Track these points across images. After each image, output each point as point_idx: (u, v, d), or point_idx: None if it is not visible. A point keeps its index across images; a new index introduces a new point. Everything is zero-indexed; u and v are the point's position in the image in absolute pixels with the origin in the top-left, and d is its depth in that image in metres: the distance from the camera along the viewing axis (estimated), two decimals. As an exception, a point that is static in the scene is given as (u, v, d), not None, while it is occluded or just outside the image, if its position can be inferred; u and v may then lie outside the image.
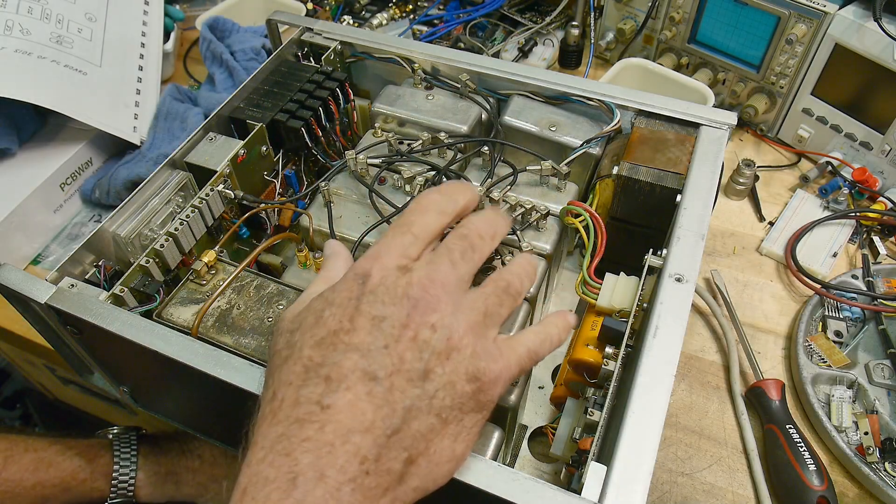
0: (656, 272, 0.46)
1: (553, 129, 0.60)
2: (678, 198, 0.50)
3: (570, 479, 0.43)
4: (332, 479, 0.29)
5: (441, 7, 1.04)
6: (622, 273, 0.50)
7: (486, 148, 0.60)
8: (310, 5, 1.05)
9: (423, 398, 0.32)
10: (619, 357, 0.44)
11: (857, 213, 0.73)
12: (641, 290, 0.48)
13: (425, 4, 1.05)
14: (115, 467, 0.60)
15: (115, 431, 0.63)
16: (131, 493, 0.60)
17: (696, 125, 0.56)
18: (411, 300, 0.33)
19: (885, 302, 0.64)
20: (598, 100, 0.59)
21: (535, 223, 0.55)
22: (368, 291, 0.34)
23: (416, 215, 0.38)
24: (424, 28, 1.01)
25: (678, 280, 0.44)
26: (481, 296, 0.37)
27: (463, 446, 0.34)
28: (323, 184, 0.57)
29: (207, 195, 0.54)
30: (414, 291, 0.34)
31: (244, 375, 0.41)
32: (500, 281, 0.38)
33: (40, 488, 0.57)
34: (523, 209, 0.54)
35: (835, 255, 0.70)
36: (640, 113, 0.58)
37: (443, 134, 0.60)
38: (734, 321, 0.66)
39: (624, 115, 0.59)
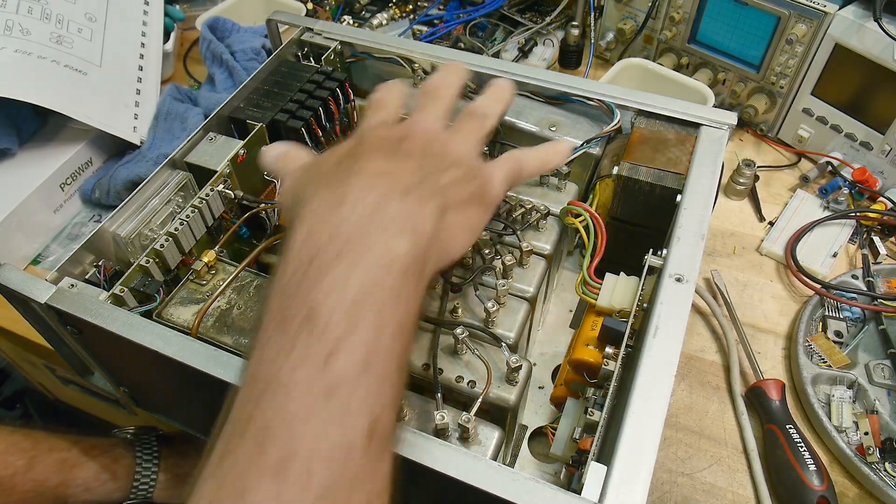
0: (656, 272, 0.46)
1: (553, 129, 0.60)
2: (678, 198, 0.50)
3: (570, 479, 0.43)
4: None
5: (441, 7, 1.04)
6: (622, 273, 0.50)
7: (485, 148, 0.60)
8: (310, 5, 1.05)
9: (443, 185, 0.35)
10: (619, 357, 0.44)
11: (857, 213, 0.73)
12: (641, 290, 0.48)
13: (425, 4, 1.05)
14: (137, 470, 0.60)
15: (133, 431, 0.63)
16: (150, 495, 0.60)
17: (696, 125, 0.56)
18: (405, 127, 0.38)
19: (885, 302, 0.64)
20: (598, 100, 0.59)
21: (535, 223, 0.55)
22: (367, 130, 0.38)
23: (379, 100, 0.44)
24: (424, 28, 1.01)
25: (678, 280, 0.44)
26: (463, 121, 0.41)
27: (477, 220, 0.38)
28: (323, 184, 0.57)
29: (207, 195, 0.54)
30: (406, 124, 0.38)
31: (244, 375, 0.40)
32: (472, 109, 0.43)
33: (63, 488, 0.57)
34: (523, 209, 0.54)
35: (835, 255, 0.70)
36: (640, 113, 0.58)
37: (443, 134, 0.60)
38: (734, 321, 0.66)
39: (624, 115, 0.59)
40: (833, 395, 0.59)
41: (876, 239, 0.71)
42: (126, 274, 0.49)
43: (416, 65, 0.65)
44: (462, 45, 0.97)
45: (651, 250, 0.48)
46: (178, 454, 0.63)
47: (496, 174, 0.40)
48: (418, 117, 0.40)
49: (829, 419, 0.57)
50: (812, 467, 0.53)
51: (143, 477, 0.60)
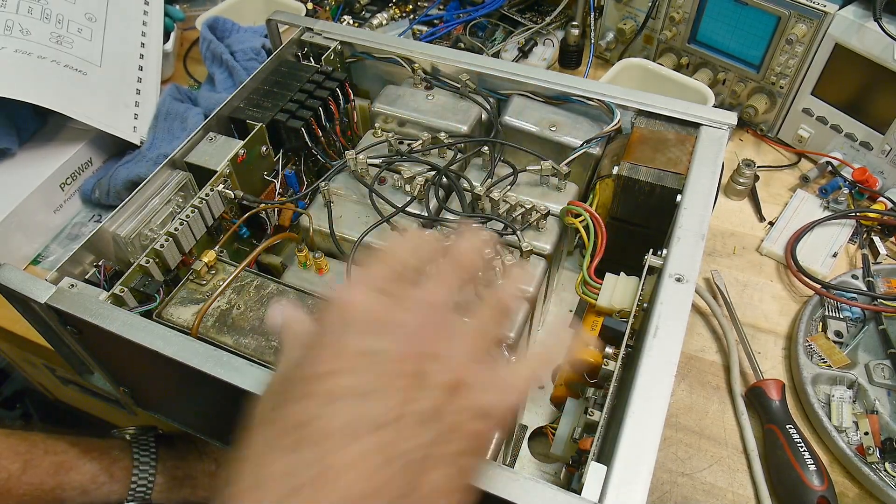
0: (656, 272, 0.46)
1: (553, 129, 0.60)
2: (678, 198, 0.50)
3: (570, 479, 0.43)
4: None
5: (441, 7, 1.04)
6: (622, 273, 0.51)
7: (486, 148, 0.60)
8: (310, 5, 1.05)
9: (437, 444, 0.26)
10: (619, 357, 0.44)
11: (857, 213, 0.73)
12: (641, 290, 0.48)
13: (425, 4, 1.05)
14: (135, 471, 0.60)
15: (132, 432, 0.63)
16: (149, 497, 0.60)
17: (697, 125, 0.56)
18: (404, 326, 0.28)
19: (885, 302, 0.64)
20: (598, 100, 0.59)
21: (535, 223, 0.55)
22: (351, 321, 0.28)
23: (389, 249, 0.32)
24: (424, 28, 1.01)
25: (678, 280, 0.44)
26: (477, 317, 0.32)
27: (468, 497, 0.29)
28: (323, 184, 0.57)
29: (207, 195, 0.54)
30: (406, 316, 0.28)
31: (244, 375, 0.41)
32: (493, 299, 0.33)
33: (59, 491, 0.57)
34: (523, 209, 0.54)
35: (835, 255, 0.70)
36: (640, 113, 0.58)
37: (443, 134, 0.60)
38: (734, 321, 0.66)
39: (624, 115, 0.59)
40: (833, 395, 0.59)
41: (876, 239, 0.71)
42: (126, 274, 0.49)
43: (416, 65, 0.65)
44: (462, 45, 0.97)
45: (651, 250, 0.48)
46: (177, 455, 0.63)
47: (512, 409, 0.30)
48: (430, 296, 0.30)
49: (829, 419, 0.57)
50: (812, 467, 0.53)
51: (141, 478, 0.60)
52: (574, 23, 0.92)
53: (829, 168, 0.78)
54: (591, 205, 0.55)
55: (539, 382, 0.35)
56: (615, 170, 0.54)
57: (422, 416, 0.26)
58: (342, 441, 0.25)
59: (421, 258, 0.32)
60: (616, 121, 0.58)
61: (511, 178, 0.58)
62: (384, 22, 1.04)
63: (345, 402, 0.26)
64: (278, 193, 0.61)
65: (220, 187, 0.55)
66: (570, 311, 0.65)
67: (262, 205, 0.58)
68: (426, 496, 0.26)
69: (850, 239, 0.72)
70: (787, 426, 0.56)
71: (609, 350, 0.45)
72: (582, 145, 0.58)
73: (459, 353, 0.29)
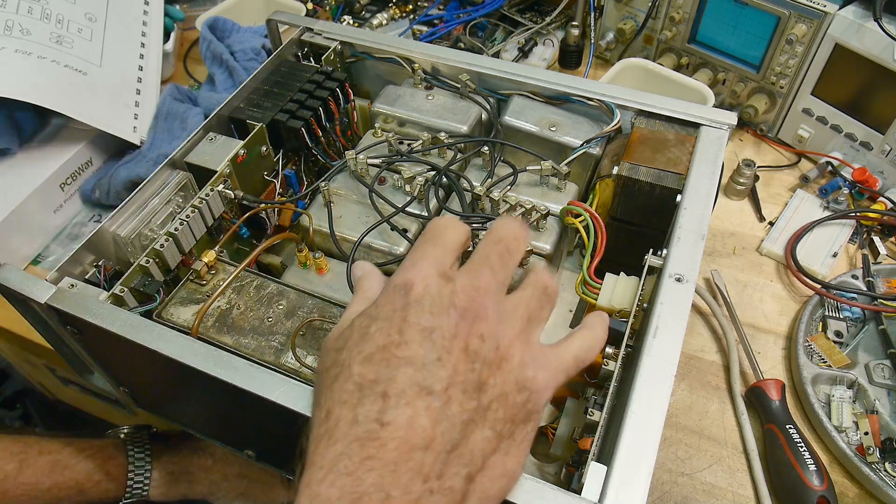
0: (656, 272, 0.46)
1: (553, 129, 0.60)
2: (678, 198, 0.50)
3: (570, 479, 0.43)
4: (398, 500, 0.28)
5: (441, 7, 1.04)
6: (622, 273, 0.50)
7: (486, 148, 0.60)
8: (310, 5, 1.04)
9: (479, 411, 0.31)
10: (619, 357, 0.44)
11: (857, 213, 0.73)
12: (641, 290, 0.48)
13: (425, 4, 1.05)
14: (130, 468, 0.60)
15: (127, 431, 0.63)
16: (146, 494, 0.60)
17: (696, 125, 0.56)
18: (458, 309, 0.32)
19: (885, 302, 0.64)
20: (598, 100, 0.59)
21: (535, 223, 0.55)
22: (414, 301, 0.33)
23: (439, 229, 0.37)
24: (424, 28, 1.01)
25: (678, 280, 0.44)
26: (522, 300, 0.36)
27: (514, 461, 0.33)
28: (323, 184, 0.57)
29: (207, 195, 0.54)
30: (460, 300, 0.33)
31: (244, 375, 0.41)
32: (538, 283, 0.37)
33: (56, 490, 0.57)
34: (523, 209, 0.54)
35: (835, 255, 0.70)
36: (640, 113, 0.58)
37: (443, 134, 0.60)
38: (734, 321, 0.66)
39: (624, 115, 0.59)
40: (833, 395, 0.59)
41: (876, 239, 0.71)
42: (126, 274, 0.49)
43: (416, 65, 0.65)
44: (462, 45, 0.97)
45: (651, 250, 0.48)
46: (173, 451, 0.63)
47: (552, 383, 0.35)
48: (481, 283, 0.34)
49: (829, 419, 0.57)
50: (812, 467, 0.53)
51: (138, 475, 0.60)
52: (574, 23, 0.92)
53: (829, 168, 0.78)
54: (591, 205, 0.55)
55: (583, 364, 0.38)
56: (615, 170, 0.54)
57: (466, 385, 0.31)
58: (396, 402, 0.30)
59: (464, 237, 0.37)
60: (616, 121, 0.58)
61: (511, 178, 0.58)
62: (384, 22, 1.04)
63: (402, 370, 0.30)
64: (278, 193, 0.61)
65: (220, 187, 0.55)
66: (570, 311, 0.65)
67: (262, 205, 0.58)
68: (468, 453, 0.30)
69: (850, 239, 0.72)
70: (787, 426, 0.56)
71: (609, 350, 0.45)
72: (582, 145, 0.58)
73: (506, 333, 0.34)
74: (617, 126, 0.58)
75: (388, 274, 0.54)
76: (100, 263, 0.51)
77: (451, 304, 0.33)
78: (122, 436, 0.63)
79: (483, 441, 0.31)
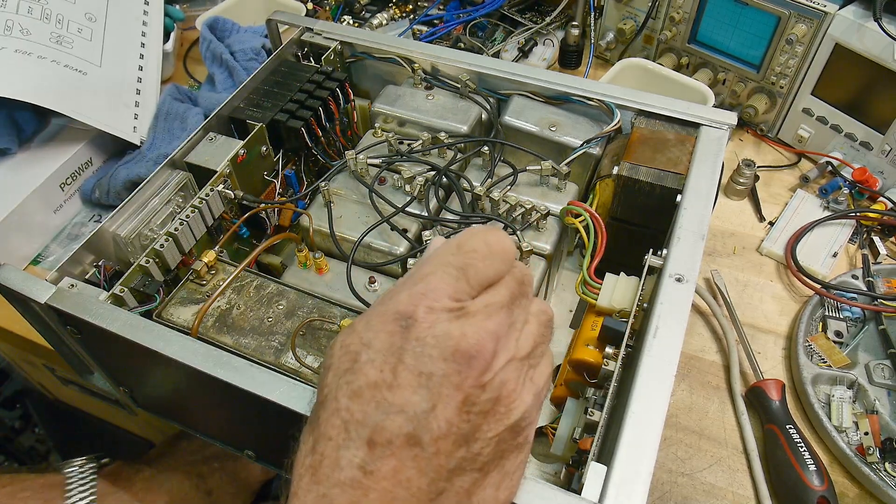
0: (656, 272, 0.46)
1: (553, 129, 0.60)
2: (678, 198, 0.50)
3: (570, 479, 0.43)
4: None
5: (441, 7, 1.04)
6: (622, 273, 0.51)
7: (486, 148, 0.60)
8: (310, 5, 1.04)
9: (468, 458, 0.30)
10: (619, 357, 0.44)
11: (857, 213, 0.73)
12: (641, 290, 0.48)
13: (425, 4, 1.05)
14: None
15: (76, 463, 0.58)
16: None
17: (696, 125, 0.56)
18: (463, 356, 0.29)
19: (885, 302, 0.64)
20: (598, 100, 0.59)
21: (535, 223, 0.55)
22: (414, 340, 0.30)
23: (469, 248, 0.33)
24: (424, 28, 1.01)
25: (678, 280, 0.44)
26: (530, 336, 0.33)
27: (506, 493, 0.32)
28: (323, 184, 0.57)
29: (207, 195, 0.54)
30: (467, 345, 0.30)
31: (244, 375, 0.41)
32: (543, 315, 0.35)
33: None
34: (523, 209, 0.54)
35: (835, 255, 0.70)
36: (640, 113, 0.58)
37: (443, 134, 0.60)
38: (734, 321, 0.66)
39: (624, 115, 0.59)
40: (833, 395, 0.59)
41: (876, 239, 0.71)
42: (126, 274, 0.49)
43: (416, 65, 0.65)
44: (462, 45, 0.97)
45: (651, 250, 0.48)
46: (124, 485, 0.58)
47: (539, 409, 0.34)
48: (494, 326, 0.31)
49: (829, 419, 0.57)
50: (812, 467, 0.53)
51: None
52: (574, 23, 0.92)
53: (829, 168, 0.78)
54: (591, 205, 0.55)
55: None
56: (615, 170, 0.54)
57: (458, 437, 0.29)
58: (382, 452, 0.28)
59: (501, 273, 0.33)
60: (616, 121, 0.58)
61: (511, 178, 0.58)
62: (384, 22, 1.04)
63: (392, 418, 0.29)
64: (278, 193, 0.61)
65: (220, 187, 0.55)
66: (570, 311, 0.65)
67: (262, 205, 0.58)
68: (454, 495, 0.30)
69: (850, 239, 0.72)
70: (787, 426, 0.56)
71: (609, 350, 0.45)
72: (582, 145, 0.58)
73: (510, 378, 0.31)
74: (617, 126, 0.58)
75: (388, 274, 0.54)
76: (100, 263, 0.51)
77: (456, 349, 0.29)
78: (66, 472, 0.56)
79: (471, 482, 0.30)
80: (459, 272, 0.32)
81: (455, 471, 0.29)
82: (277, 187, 0.61)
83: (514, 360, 0.32)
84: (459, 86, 0.63)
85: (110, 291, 0.47)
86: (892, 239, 0.72)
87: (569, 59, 0.94)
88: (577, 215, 0.53)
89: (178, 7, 1.01)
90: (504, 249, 0.33)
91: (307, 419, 0.32)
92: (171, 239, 0.51)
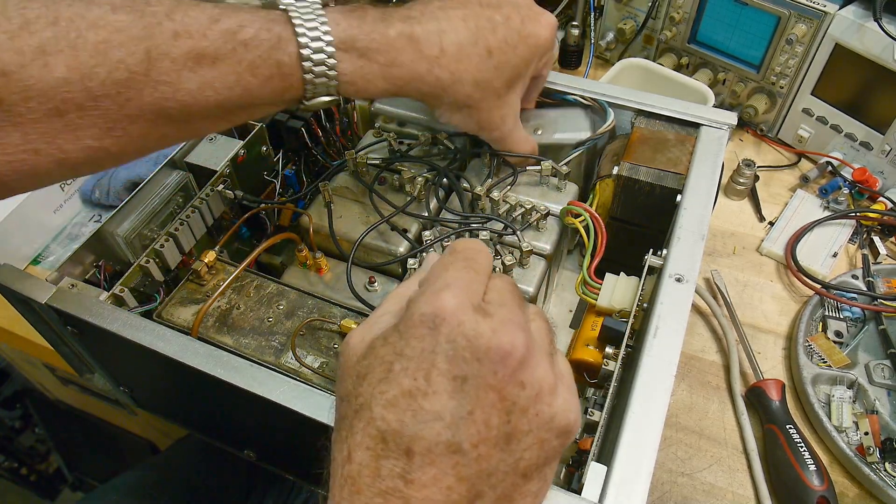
0: (656, 272, 0.46)
1: (538, 132, 0.60)
2: (678, 198, 0.50)
3: (570, 479, 0.43)
4: None
5: (441, 7, 1.04)
6: (622, 273, 0.51)
7: (487, 151, 0.60)
8: (310, 5, 1.04)
9: (509, 461, 0.29)
10: (619, 357, 0.44)
11: (857, 213, 0.73)
12: (641, 290, 0.48)
13: (425, 4, 1.05)
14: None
15: None
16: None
17: (696, 125, 0.56)
18: (498, 353, 0.29)
19: (885, 302, 0.64)
20: (592, 98, 0.59)
21: (535, 223, 0.55)
22: (444, 342, 0.29)
23: (471, 252, 0.34)
24: (424, 28, 1.00)
25: (678, 280, 0.44)
26: (541, 330, 0.33)
27: (540, 499, 0.32)
28: (323, 184, 0.57)
29: (207, 195, 0.54)
30: (500, 342, 0.29)
31: (244, 375, 0.41)
32: (542, 315, 0.35)
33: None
34: (523, 209, 0.54)
35: (835, 255, 0.70)
36: (641, 113, 0.58)
37: (443, 134, 0.60)
38: (734, 321, 0.66)
39: (624, 115, 0.59)
40: (833, 395, 0.59)
41: (876, 239, 0.71)
42: (126, 274, 0.49)
43: (416, 65, 0.64)
44: (462, 45, 0.96)
45: (651, 250, 0.48)
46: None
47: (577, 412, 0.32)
48: (517, 317, 0.31)
49: (829, 419, 0.57)
50: (812, 467, 0.53)
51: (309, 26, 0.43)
52: (574, 23, 0.92)
53: (829, 168, 0.78)
54: (591, 205, 0.55)
55: None
56: (615, 170, 0.54)
57: (498, 440, 0.29)
58: (422, 461, 0.28)
59: (490, 267, 0.34)
60: (609, 121, 0.58)
61: (511, 178, 0.58)
62: (384, 22, 1.04)
63: (430, 425, 0.28)
64: (278, 193, 0.61)
65: (220, 187, 0.55)
66: (570, 311, 0.65)
67: (262, 205, 0.58)
68: (497, 499, 0.29)
69: (850, 239, 0.72)
70: (787, 426, 0.56)
71: (609, 350, 0.45)
72: (577, 146, 0.58)
73: (543, 373, 0.30)
74: (610, 126, 0.58)
75: (388, 274, 0.54)
76: (100, 263, 0.51)
77: (489, 346, 0.29)
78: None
79: (510, 486, 0.30)
80: (467, 263, 0.32)
81: (495, 474, 0.29)
82: (277, 187, 0.61)
83: (544, 354, 0.31)
84: (459, 86, 0.63)
85: (110, 291, 0.47)
86: (892, 239, 0.72)
87: (569, 59, 0.94)
88: (577, 215, 0.53)
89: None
90: (481, 244, 0.35)
91: (333, 428, 0.32)
92: (171, 239, 0.51)
